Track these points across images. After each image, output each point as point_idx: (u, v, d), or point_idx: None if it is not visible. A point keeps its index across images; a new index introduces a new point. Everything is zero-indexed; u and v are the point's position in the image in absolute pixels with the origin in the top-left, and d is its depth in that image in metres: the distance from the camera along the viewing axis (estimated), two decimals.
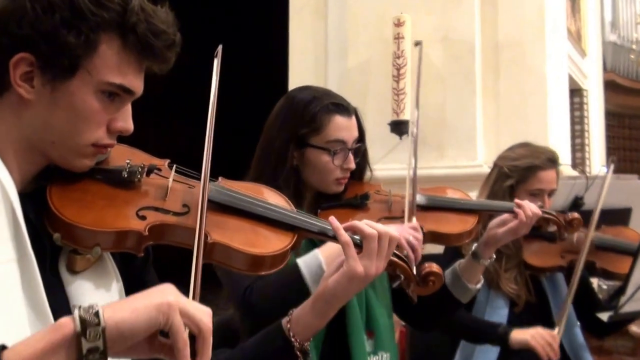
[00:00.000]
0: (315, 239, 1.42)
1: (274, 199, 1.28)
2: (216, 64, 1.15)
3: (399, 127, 4.16)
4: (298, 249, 1.69)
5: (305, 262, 1.55)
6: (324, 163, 1.72)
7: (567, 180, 2.88)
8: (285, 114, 1.76)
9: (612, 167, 2.55)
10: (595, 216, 2.41)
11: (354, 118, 1.77)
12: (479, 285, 1.96)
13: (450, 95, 4.22)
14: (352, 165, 1.75)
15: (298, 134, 1.72)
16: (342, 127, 1.72)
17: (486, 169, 4.32)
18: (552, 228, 2.12)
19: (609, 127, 8.01)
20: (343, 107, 1.74)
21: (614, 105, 8.20)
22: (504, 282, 2.44)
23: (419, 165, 4.41)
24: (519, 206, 1.95)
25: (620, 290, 2.34)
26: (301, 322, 1.28)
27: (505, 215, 1.96)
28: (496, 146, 3.79)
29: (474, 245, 1.98)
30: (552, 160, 2.47)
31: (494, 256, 1.98)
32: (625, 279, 2.33)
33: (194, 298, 0.99)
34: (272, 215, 1.22)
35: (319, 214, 1.71)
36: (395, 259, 1.31)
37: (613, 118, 8.40)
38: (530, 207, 1.94)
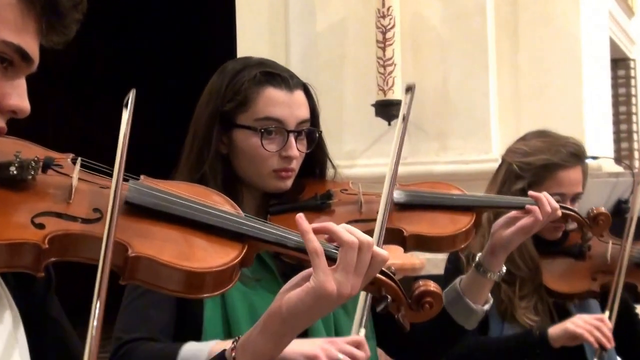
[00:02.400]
0: (271, 251, 1.44)
1: (216, 202, 1.31)
2: (126, 115, 1.15)
3: (386, 110, 4.22)
4: (255, 266, 1.73)
5: (185, 353, 1.57)
6: (253, 147, 1.78)
7: (608, 179, 2.95)
8: (212, 87, 1.83)
9: None
10: (633, 224, 2.47)
11: (298, 93, 1.82)
12: (487, 306, 2.00)
13: (455, 69, 4.29)
14: (294, 152, 1.79)
15: (222, 110, 1.79)
16: (275, 102, 1.78)
17: None
18: (571, 225, 2.18)
19: None
20: (279, 78, 1.80)
21: None
22: (521, 311, 2.49)
23: (414, 160, 4.46)
24: (537, 200, 1.99)
25: None
26: (249, 349, 1.29)
27: (513, 213, 2.01)
28: (516, 134, 3.79)
29: (478, 255, 2.03)
30: (575, 156, 2.52)
31: (504, 268, 2.03)
32: None
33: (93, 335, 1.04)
34: (213, 221, 1.24)
35: (268, 219, 1.74)
36: (380, 276, 1.33)
37: None
38: (551, 203, 2.00)
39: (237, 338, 1.32)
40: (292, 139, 1.79)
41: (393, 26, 4.20)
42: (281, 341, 1.28)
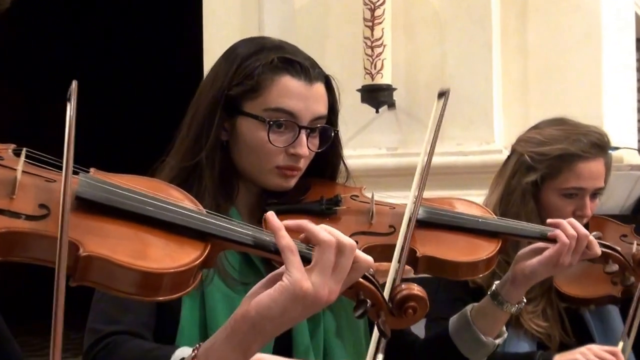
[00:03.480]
0: (238, 251, 1.43)
1: (174, 197, 1.35)
2: (70, 108, 1.18)
3: (374, 96, 4.23)
4: (219, 267, 1.73)
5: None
6: (259, 140, 1.79)
7: (630, 172, 2.96)
8: (219, 68, 1.85)
9: None
10: None
11: (317, 86, 1.83)
12: (499, 340, 2.02)
13: (453, 48, 4.28)
14: (303, 151, 1.81)
15: (229, 94, 1.80)
16: (291, 93, 1.79)
17: (506, 156, 4.33)
18: (613, 267, 2.17)
19: None
20: (299, 66, 1.81)
21: None
22: (527, 316, 2.50)
23: (406, 151, 4.47)
24: (557, 225, 2.00)
25: None
26: (213, 357, 1.32)
27: (539, 244, 2.02)
28: (523, 122, 3.80)
29: (495, 283, 2.04)
30: (598, 146, 2.53)
31: (525, 301, 2.04)
32: None
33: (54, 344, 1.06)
34: (172, 217, 1.28)
35: (264, 219, 1.79)
36: (361, 279, 1.36)
37: None
38: (573, 224, 2.00)
39: (198, 345, 1.35)
40: (303, 135, 1.80)
41: (383, 2, 4.20)
42: (249, 349, 1.31)
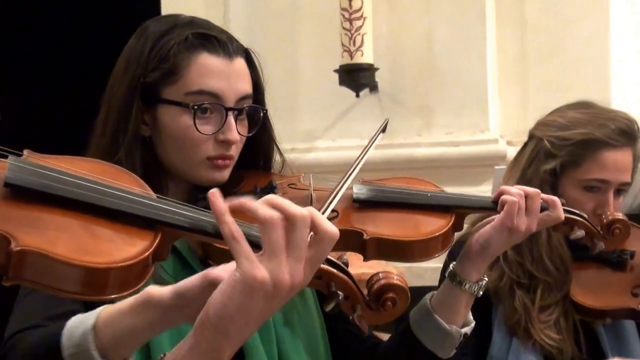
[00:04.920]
0: (190, 240, 1.52)
1: (123, 181, 1.35)
2: None
3: (353, 77, 4.26)
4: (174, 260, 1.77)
5: (71, 323, 1.57)
6: (184, 128, 1.82)
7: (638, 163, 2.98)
8: (130, 52, 1.88)
9: None
10: None
11: (238, 62, 1.87)
12: (466, 329, 2.05)
13: (442, 24, 4.34)
14: (233, 136, 1.84)
15: (145, 81, 1.83)
16: (211, 72, 1.83)
17: (503, 147, 4.40)
18: (578, 233, 2.20)
19: None
20: (216, 41, 1.85)
21: None
22: (539, 326, 2.55)
23: (390, 142, 4.52)
24: (499, 192, 2.02)
25: None
26: None
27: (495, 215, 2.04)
28: (521, 107, 3.98)
29: (453, 263, 2.06)
30: (627, 134, 2.57)
31: (486, 279, 2.06)
32: None
33: None
34: (118, 204, 1.28)
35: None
36: (328, 267, 1.38)
37: None
38: (518, 187, 2.02)
39: (163, 355, 1.37)
40: (231, 118, 1.83)
41: None
42: (220, 357, 1.31)
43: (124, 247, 1.24)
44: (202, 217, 1.34)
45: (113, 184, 1.31)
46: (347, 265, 1.41)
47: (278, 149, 2.00)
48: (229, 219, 1.27)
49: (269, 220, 1.26)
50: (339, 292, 1.38)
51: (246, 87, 1.87)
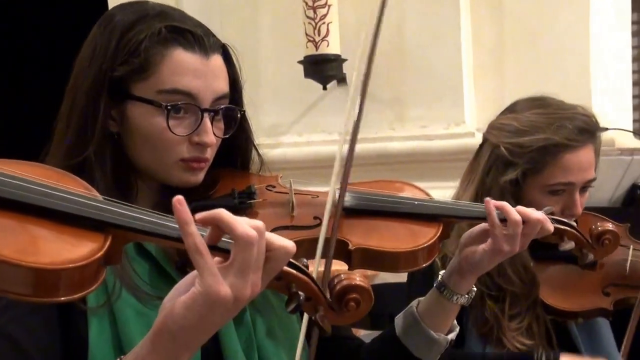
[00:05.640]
0: (145, 242, 1.53)
1: (65, 183, 1.37)
2: None
3: (319, 69, 4.29)
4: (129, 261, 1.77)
5: None
6: (156, 129, 1.80)
7: (621, 157, 3.06)
8: (96, 42, 1.84)
9: None
10: None
11: (215, 59, 1.85)
12: (452, 335, 2.10)
13: (414, 11, 4.38)
14: (209, 138, 1.83)
15: (113, 76, 1.80)
16: (186, 69, 1.80)
17: (479, 141, 4.34)
18: (568, 245, 2.21)
19: None
20: (191, 36, 1.82)
21: None
22: (510, 334, 2.59)
23: (362, 136, 4.58)
24: (501, 207, 2.02)
25: None
26: None
27: (485, 225, 2.04)
28: (498, 99, 3.98)
29: (441, 273, 2.09)
30: (586, 132, 2.58)
31: (474, 289, 2.09)
32: None
33: None
34: (62, 206, 1.30)
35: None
36: (289, 269, 1.41)
37: None
38: (513, 217, 2.00)
39: (121, 358, 1.43)
40: (207, 119, 1.81)
41: None
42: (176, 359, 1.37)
43: (71, 249, 1.26)
44: (155, 219, 1.36)
45: (57, 186, 1.32)
46: (307, 267, 1.44)
47: (256, 149, 2.00)
48: (194, 230, 1.29)
49: (245, 238, 1.30)
50: (300, 292, 1.41)
51: (223, 86, 1.84)
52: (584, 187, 2.60)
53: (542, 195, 2.56)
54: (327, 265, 1.74)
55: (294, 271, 1.41)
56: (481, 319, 2.56)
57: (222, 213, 1.32)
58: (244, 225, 1.31)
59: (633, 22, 5.87)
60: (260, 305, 1.88)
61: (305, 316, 1.72)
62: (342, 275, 1.45)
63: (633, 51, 5.87)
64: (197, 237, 1.29)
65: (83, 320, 1.70)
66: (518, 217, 2.00)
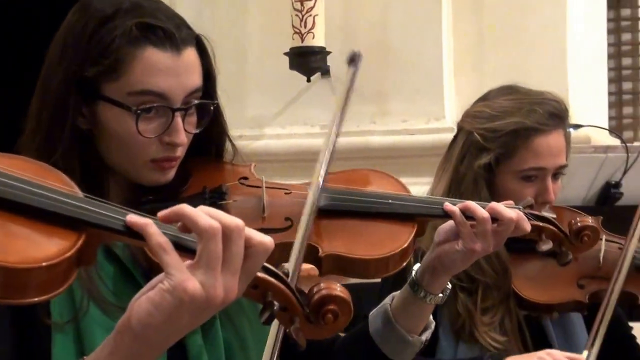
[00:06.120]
0: (120, 242, 1.50)
1: (44, 177, 1.33)
2: None
3: (304, 61, 4.34)
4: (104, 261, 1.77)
5: None
6: (126, 131, 1.79)
7: (594, 154, 3.15)
8: (67, 38, 1.82)
9: None
10: (638, 216, 2.60)
11: (187, 53, 1.82)
12: (426, 335, 2.12)
13: (397, 6, 4.42)
14: (180, 139, 1.82)
15: (84, 75, 1.78)
16: (157, 69, 1.78)
17: None
18: (546, 245, 2.19)
19: None
20: (162, 33, 1.79)
21: None
22: (482, 329, 2.61)
23: (343, 129, 4.58)
24: (464, 209, 2.00)
25: None
26: None
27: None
28: (477, 94, 3.90)
29: (415, 270, 2.08)
30: (556, 116, 2.65)
31: (449, 287, 2.10)
32: None
33: None
34: (37, 201, 1.26)
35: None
36: (265, 276, 1.36)
37: None
38: (480, 213, 1.99)
39: (83, 359, 1.41)
40: (178, 119, 1.80)
41: None
42: None
43: (42, 247, 1.23)
44: (125, 217, 1.31)
45: (34, 180, 1.29)
46: (287, 275, 1.39)
47: (230, 140, 1.99)
48: (154, 230, 1.27)
49: (209, 230, 1.27)
50: (275, 302, 1.36)
51: (195, 80, 1.83)
52: (556, 174, 2.65)
53: (515, 181, 2.62)
54: (296, 270, 1.71)
55: (272, 279, 1.36)
56: (454, 313, 2.60)
57: (184, 208, 1.29)
58: (205, 217, 1.27)
59: (609, 20, 5.92)
60: (231, 311, 1.85)
61: (274, 326, 1.70)
62: (321, 284, 1.39)
63: (609, 49, 5.93)
64: (159, 236, 1.27)
65: (47, 335, 1.67)
66: (485, 214, 2.00)
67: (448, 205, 2.01)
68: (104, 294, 1.73)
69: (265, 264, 1.35)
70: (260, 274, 1.34)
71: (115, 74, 1.76)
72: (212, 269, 1.27)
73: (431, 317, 2.12)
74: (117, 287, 1.77)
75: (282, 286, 1.37)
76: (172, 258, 1.27)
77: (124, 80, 1.76)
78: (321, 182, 1.84)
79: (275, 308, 1.35)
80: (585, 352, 2.53)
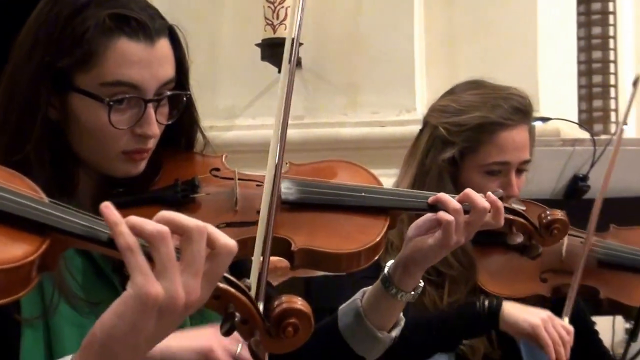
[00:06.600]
0: (88, 249, 1.50)
1: (15, 184, 1.33)
2: None
3: (276, 52, 4.32)
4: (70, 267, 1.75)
5: None
6: (98, 122, 1.78)
7: (562, 148, 3.17)
8: (39, 27, 1.81)
9: (623, 126, 2.77)
10: (596, 209, 2.65)
11: (161, 44, 1.82)
12: (396, 332, 2.13)
13: (370, 0, 4.46)
14: (152, 130, 1.81)
15: (56, 65, 1.78)
16: (130, 60, 1.77)
17: None
18: (517, 238, 2.22)
19: None
20: (135, 23, 1.78)
21: None
22: None
23: (314, 121, 4.57)
24: (436, 201, 2.02)
25: (631, 336, 2.58)
26: None
27: (431, 216, 2.05)
28: (449, 87, 3.92)
29: (387, 265, 2.10)
30: (520, 111, 2.67)
31: (422, 284, 2.11)
32: (637, 316, 2.56)
33: None
34: (3, 205, 1.26)
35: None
36: (229, 288, 1.35)
37: None
38: (452, 205, 2.01)
39: None
40: (150, 110, 1.80)
41: None
42: None
43: (6, 250, 1.22)
44: (96, 226, 1.30)
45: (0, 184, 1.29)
46: (249, 288, 1.38)
47: (201, 131, 1.99)
48: (124, 229, 1.25)
49: (155, 234, 1.25)
50: (236, 314, 1.35)
51: (168, 71, 1.83)
52: (520, 169, 2.67)
53: (479, 176, 2.64)
54: (265, 265, 1.72)
55: (234, 290, 1.35)
56: (420, 308, 2.57)
57: (130, 219, 1.26)
58: (151, 223, 1.26)
59: (579, 14, 5.97)
60: (200, 319, 1.83)
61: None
62: (282, 298, 1.38)
63: (580, 42, 5.97)
64: (129, 236, 1.25)
65: (16, 330, 1.67)
66: (457, 205, 2.01)
67: (440, 196, 2.03)
68: (73, 288, 1.72)
69: (228, 276, 1.34)
70: (223, 285, 1.33)
71: (88, 64, 1.76)
72: (167, 271, 1.25)
73: (401, 314, 2.13)
74: (87, 282, 1.76)
75: (244, 298, 1.36)
76: (137, 260, 1.25)
77: (97, 71, 1.76)
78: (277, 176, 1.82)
79: (236, 320, 1.35)
80: (566, 318, 2.58)
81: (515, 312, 2.52)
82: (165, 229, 1.26)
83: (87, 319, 1.69)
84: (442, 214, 2.01)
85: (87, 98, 1.77)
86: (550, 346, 2.47)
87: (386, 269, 2.08)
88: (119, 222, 1.25)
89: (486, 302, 2.53)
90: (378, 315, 2.07)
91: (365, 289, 2.11)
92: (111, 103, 1.75)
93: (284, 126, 1.90)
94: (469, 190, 2.05)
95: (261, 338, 1.38)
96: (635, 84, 2.47)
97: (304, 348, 2.10)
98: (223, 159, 1.98)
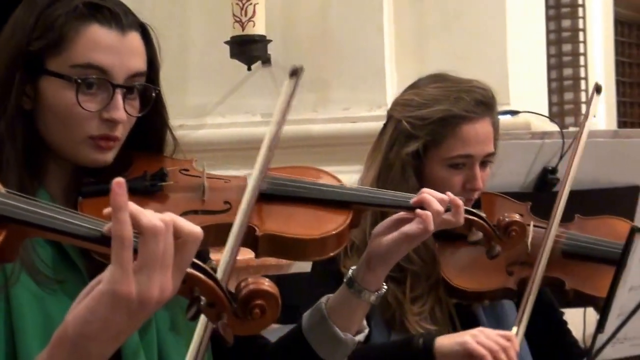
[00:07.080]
0: (45, 239, 1.52)
1: None
2: None
3: (245, 50, 4.38)
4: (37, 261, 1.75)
5: None
6: (66, 103, 1.80)
7: (531, 140, 3.18)
8: (17, 19, 1.85)
9: (591, 115, 2.77)
10: (561, 200, 2.66)
11: (132, 37, 1.85)
12: (360, 336, 2.14)
13: None
14: (119, 115, 1.82)
15: (28, 50, 1.81)
16: (100, 45, 1.80)
17: None
18: (476, 236, 2.27)
19: (621, 46, 8.35)
20: (108, 13, 1.82)
21: (631, 9, 8.50)
22: (412, 318, 2.63)
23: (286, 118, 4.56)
24: (421, 202, 2.07)
25: (598, 328, 2.49)
26: None
27: (399, 215, 2.11)
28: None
29: (352, 268, 2.13)
30: (483, 104, 2.67)
31: (385, 287, 2.14)
32: (604, 306, 2.48)
33: None
34: None
35: (79, 201, 1.81)
36: (194, 272, 1.36)
37: (629, 31, 8.76)
38: (435, 202, 2.07)
39: None
40: (118, 96, 1.81)
41: None
42: None
43: None
44: (56, 214, 1.30)
45: None
46: (215, 271, 1.39)
47: (171, 132, 1.99)
48: (126, 218, 1.24)
49: (150, 229, 1.26)
50: (202, 297, 1.35)
51: (139, 64, 1.85)
52: (484, 162, 2.67)
53: (443, 169, 2.63)
54: (233, 253, 1.75)
55: (200, 274, 1.36)
56: (384, 303, 2.57)
57: (130, 206, 1.26)
58: (149, 216, 1.26)
59: (548, 7, 6.02)
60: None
61: (201, 320, 1.69)
62: (249, 279, 1.38)
63: (550, 35, 6.02)
64: (127, 226, 1.24)
65: None
66: (440, 208, 2.07)
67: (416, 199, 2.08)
68: (38, 265, 1.73)
69: (194, 260, 1.34)
70: (188, 269, 1.33)
71: (59, 48, 1.79)
72: (150, 269, 1.26)
73: (365, 322, 2.14)
74: (54, 263, 1.77)
75: (209, 282, 1.36)
76: (125, 255, 1.24)
77: (67, 53, 1.79)
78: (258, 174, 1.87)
79: (202, 303, 1.35)
80: (515, 328, 2.57)
81: (446, 341, 2.51)
82: (160, 225, 1.26)
83: (49, 294, 1.71)
84: (424, 215, 2.05)
85: (57, 79, 1.79)
86: (487, 355, 2.45)
87: (350, 272, 2.12)
88: (123, 207, 1.24)
89: (420, 340, 2.52)
90: (341, 315, 2.07)
91: (329, 295, 2.12)
92: (79, 81, 1.77)
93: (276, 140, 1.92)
94: (425, 192, 2.10)
95: (228, 320, 1.37)
96: (598, 91, 2.47)
97: (271, 353, 2.12)
98: (193, 163, 1.98)
